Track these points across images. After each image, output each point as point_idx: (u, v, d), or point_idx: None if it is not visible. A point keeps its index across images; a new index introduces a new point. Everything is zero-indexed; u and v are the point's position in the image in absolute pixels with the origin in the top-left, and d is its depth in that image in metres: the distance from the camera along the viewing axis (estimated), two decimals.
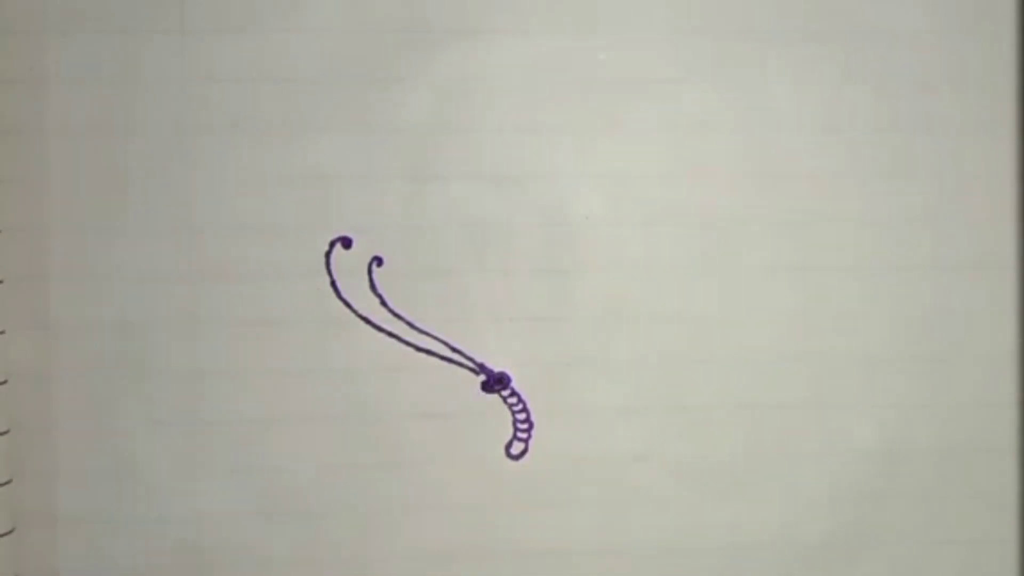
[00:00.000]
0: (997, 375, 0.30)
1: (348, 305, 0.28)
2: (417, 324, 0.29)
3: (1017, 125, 0.30)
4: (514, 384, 0.29)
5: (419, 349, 0.29)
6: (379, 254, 0.29)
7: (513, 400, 0.29)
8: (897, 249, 0.30)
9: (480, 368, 0.29)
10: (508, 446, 0.29)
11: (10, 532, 0.28)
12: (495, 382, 0.29)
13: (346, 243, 0.28)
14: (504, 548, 0.29)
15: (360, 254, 0.28)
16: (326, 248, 0.28)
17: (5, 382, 0.28)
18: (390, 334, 0.29)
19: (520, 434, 0.29)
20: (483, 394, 0.29)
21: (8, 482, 0.28)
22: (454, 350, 0.29)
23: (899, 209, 0.30)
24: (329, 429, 0.29)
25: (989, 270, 0.30)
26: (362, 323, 0.28)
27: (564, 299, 0.29)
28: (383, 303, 0.28)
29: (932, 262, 0.30)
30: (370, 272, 0.29)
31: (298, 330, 0.28)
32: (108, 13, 0.28)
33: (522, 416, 0.29)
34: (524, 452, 0.29)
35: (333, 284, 0.28)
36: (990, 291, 0.30)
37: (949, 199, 0.30)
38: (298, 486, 0.29)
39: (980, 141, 0.30)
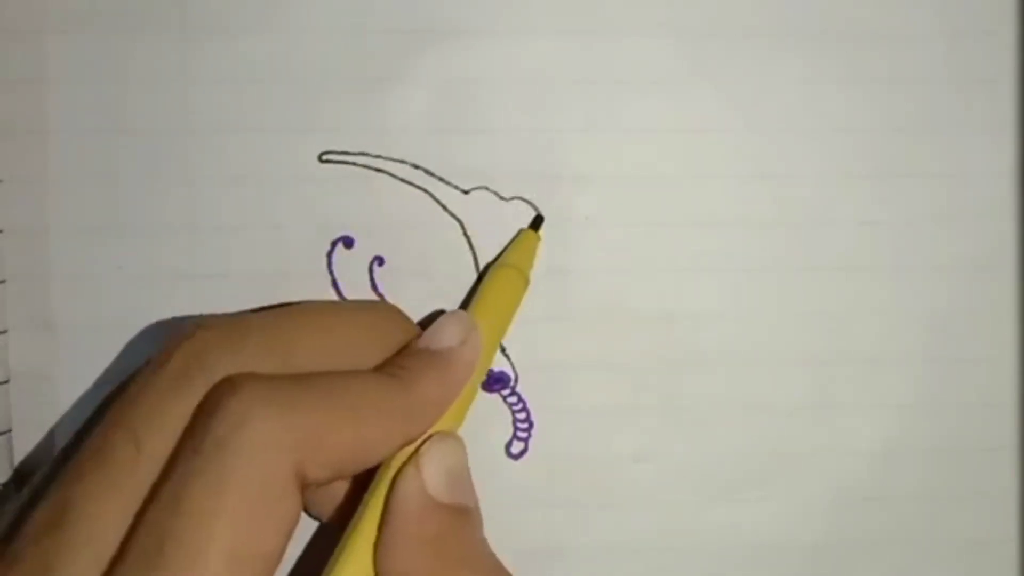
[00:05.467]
0: (997, 375, 0.30)
1: None
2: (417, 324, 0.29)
3: (1017, 125, 0.30)
4: (514, 384, 0.29)
5: None
6: (379, 254, 0.29)
7: (513, 400, 0.29)
8: (897, 249, 0.30)
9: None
10: (508, 446, 0.29)
11: None
12: (495, 382, 0.29)
13: (347, 243, 0.28)
14: (504, 548, 0.29)
15: (361, 254, 0.28)
16: (327, 248, 0.28)
17: (6, 382, 0.28)
18: None
19: (520, 434, 0.29)
20: (483, 394, 0.29)
21: (8, 482, 0.28)
22: None
23: (899, 209, 0.30)
24: None
25: (989, 270, 0.30)
26: None
27: (564, 299, 0.29)
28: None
29: (932, 262, 0.30)
30: (371, 272, 0.29)
31: None
32: (108, 13, 0.28)
33: (522, 416, 0.29)
34: (524, 452, 0.29)
35: (334, 284, 0.28)
36: (990, 291, 0.30)
37: (949, 199, 0.30)
38: None
39: (980, 141, 0.30)
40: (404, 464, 0.23)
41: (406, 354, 0.24)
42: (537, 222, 0.28)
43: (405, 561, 0.21)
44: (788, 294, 0.29)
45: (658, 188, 0.29)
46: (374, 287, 0.28)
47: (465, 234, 0.29)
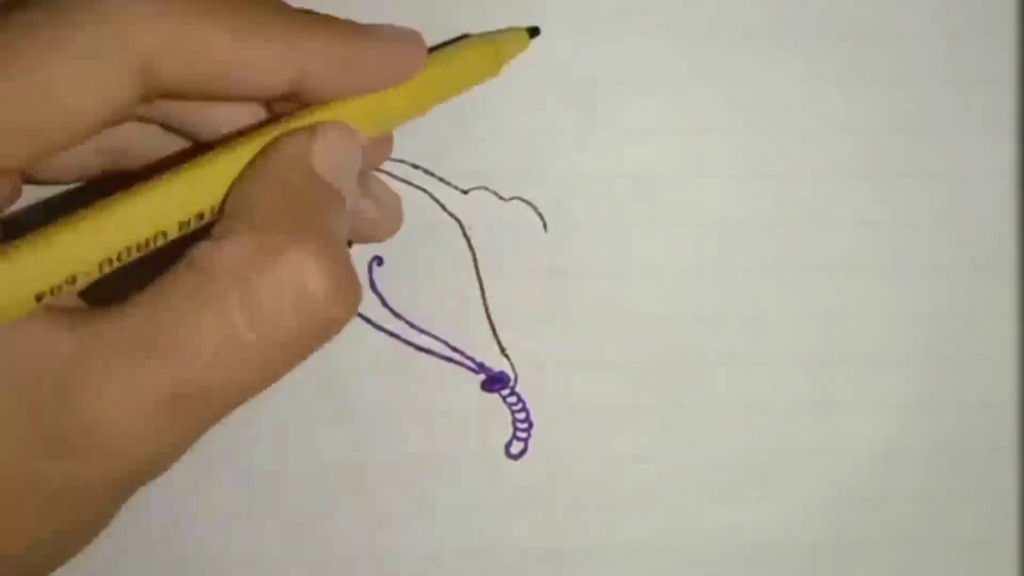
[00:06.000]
0: (997, 375, 0.30)
1: None
2: (417, 324, 0.29)
3: (1017, 125, 0.30)
4: (514, 384, 0.29)
5: (419, 349, 0.29)
6: (379, 254, 0.29)
7: (513, 400, 0.29)
8: (897, 249, 0.30)
9: (480, 368, 0.29)
10: (508, 446, 0.29)
11: None
12: (495, 382, 0.29)
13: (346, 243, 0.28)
14: (504, 548, 0.29)
15: (360, 254, 0.28)
16: None
17: None
18: (390, 334, 0.29)
19: (520, 434, 0.29)
20: (483, 394, 0.29)
21: None
22: (454, 350, 0.29)
23: (899, 209, 0.30)
24: (329, 429, 0.29)
25: (989, 270, 0.30)
26: (362, 323, 0.28)
27: (564, 299, 0.29)
28: (383, 303, 0.28)
29: (932, 262, 0.30)
30: (370, 272, 0.29)
31: None
32: None
33: (522, 416, 0.29)
34: (524, 452, 0.29)
35: None
36: (990, 291, 0.30)
37: (949, 199, 0.30)
38: (297, 486, 0.29)
39: (980, 141, 0.30)
40: (293, 130, 0.21)
41: (334, 18, 0.21)
42: (534, 31, 0.28)
43: (260, 203, 0.19)
44: (788, 294, 0.29)
45: (658, 188, 0.29)
46: (374, 287, 0.28)
47: (465, 234, 0.29)
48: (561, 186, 0.29)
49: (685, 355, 0.29)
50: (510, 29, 0.27)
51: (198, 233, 0.20)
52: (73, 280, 0.18)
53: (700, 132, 0.29)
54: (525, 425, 0.29)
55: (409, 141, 0.28)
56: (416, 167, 0.28)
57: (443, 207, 0.29)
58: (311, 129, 0.20)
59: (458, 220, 0.29)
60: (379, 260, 0.28)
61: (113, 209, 0.18)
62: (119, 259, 0.18)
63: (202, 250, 0.19)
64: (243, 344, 0.18)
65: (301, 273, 0.19)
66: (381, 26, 0.22)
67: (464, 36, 0.27)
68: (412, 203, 0.28)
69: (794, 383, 0.30)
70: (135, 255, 0.19)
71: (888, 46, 0.29)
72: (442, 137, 0.29)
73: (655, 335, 0.29)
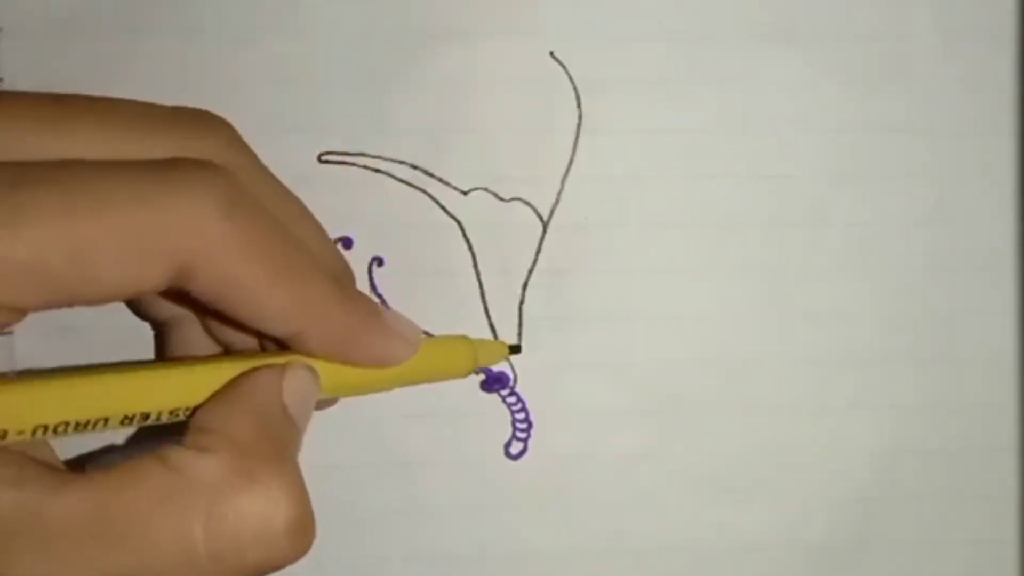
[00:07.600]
0: (997, 375, 0.30)
1: None
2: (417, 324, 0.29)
3: (1017, 125, 0.30)
4: (513, 384, 0.29)
5: None
6: (379, 254, 0.29)
7: (512, 400, 0.29)
8: (897, 249, 0.30)
9: (480, 368, 0.29)
10: (507, 446, 0.29)
11: None
12: (494, 382, 0.29)
13: (346, 243, 0.28)
14: (503, 548, 0.29)
15: (360, 254, 0.29)
16: None
17: None
18: None
19: (519, 434, 0.29)
20: (483, 394, 0.29)
21: None
22: None
23: (899, 209, 0.30)
24: (329, 429, 0.29)
25: (989, 270, 0.30)
26: None
27: (564, 299, 0.29)
28: (383, 303, 0.29)
29: (932, 262, 0.30)
30: (370, 272, 0.29)
31: None
32: (108, 14, 0.28)
33: (521, 416, 0.29)
34: (523, 452, 0.29)
35: None
36: (990, 291, 0.30)
37: (949, 199, 0.30)
38: None
39: (980, 141, 0.30)
40: (266, 366, 0.22)
41: (358, 295, 0.23)
42: (515, 349, 0.29)
43: (238, 426, 0.20)
44: (788, 294, 0.29)
45: (658, 188, 0.29)
46: (373, 287, 0.28)
47: (464, 235, 0.29)
48: (561, 186, 0.29)
49: (685, 355, 0.29)
50: (493, 341, 0.29)
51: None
52: (3, 435, 0.18)
53: (699, 132, 0.29)
54: (525, 425, 0.29)
55: (410, 141, 0.28)
56: (416, 167, 0.28)
57: (443, 208, 0.29)
58: (283, 367, 0.22)
59: (458, 220, 0.29)
60: (379, 260, 0.29)
61: (47, 385, 0.19)
62: (55, 431, 0.18)
63: (180, 455, 0.19)
64: (194, 556, 0.18)
65: (271, 505, 0.19)
66: (390, 314, 0.23)
67: (447, 336, 0.27)
68: (412, 203, 0.28)
69: (794, 383, 0.30)
70: (73, 432, 0.19)
71: (888, 46, 0.29)
72: (442, 137, 0.29)
73: (655, 335, 0.29)
